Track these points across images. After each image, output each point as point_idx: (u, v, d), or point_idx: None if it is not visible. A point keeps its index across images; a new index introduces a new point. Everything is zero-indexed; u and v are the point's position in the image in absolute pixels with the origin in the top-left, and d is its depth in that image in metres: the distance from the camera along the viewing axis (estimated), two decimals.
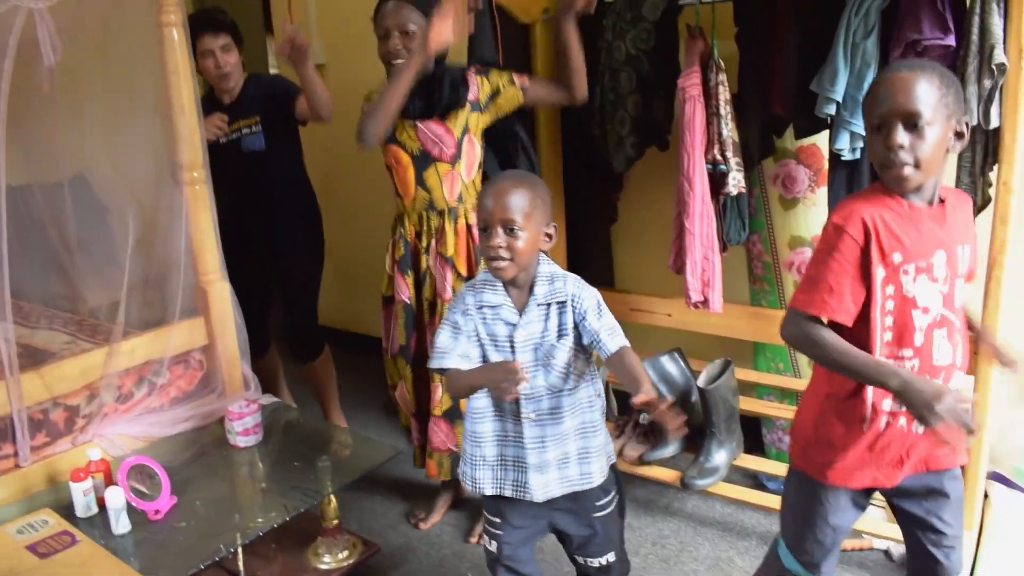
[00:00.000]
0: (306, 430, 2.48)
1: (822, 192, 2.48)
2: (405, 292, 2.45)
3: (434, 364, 1.77)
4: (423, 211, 2.39)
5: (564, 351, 1.72)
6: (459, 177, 2.34)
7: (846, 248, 1.49)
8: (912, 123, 1.43)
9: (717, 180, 2.34)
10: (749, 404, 2.64)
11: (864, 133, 2.10)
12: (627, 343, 1.72)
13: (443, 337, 1.76)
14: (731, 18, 2.37)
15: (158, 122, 2.41)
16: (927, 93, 1.43)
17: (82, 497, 2.05)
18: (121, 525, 2.00)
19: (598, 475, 1.80)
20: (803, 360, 2.67)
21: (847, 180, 2.21)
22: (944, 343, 1.54)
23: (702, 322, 2.55)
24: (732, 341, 2.67)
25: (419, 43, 2.21)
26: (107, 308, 2.70)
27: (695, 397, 2.58)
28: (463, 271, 2.37)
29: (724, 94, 2.30)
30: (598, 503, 1.84)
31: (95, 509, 2.06)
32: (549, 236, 1.72)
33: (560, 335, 1.72)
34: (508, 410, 1.77)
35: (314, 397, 3.31)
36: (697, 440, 2.57)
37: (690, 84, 2.29)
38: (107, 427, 2.32)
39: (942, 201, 1.53)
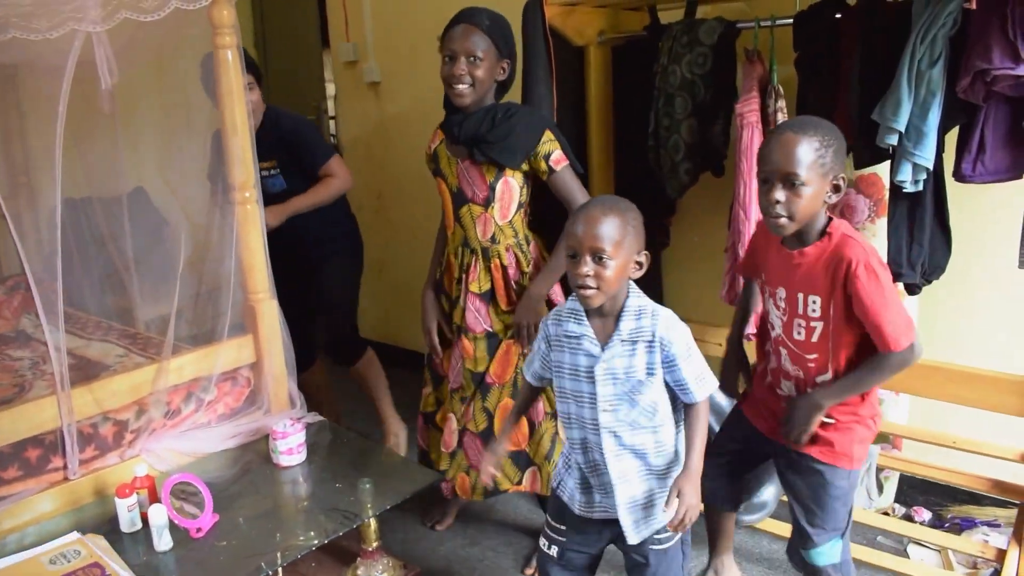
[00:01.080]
0: (350, 451, 2.48)
1: (882, 223, 2.40)
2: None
3: (525, 371, 1.93)
4: (459, 246, 2.43)
5: (652, 389, 1.69)
6: (492, 220, 2.34)
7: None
8: (790, 182, 1.67)
9: None
10: None
11: (927, 166, 2.05)
12: (712, 390, 1.73)
13: (533, 355, 1.89)
14: (791, 42, 2.31)
15: (209, 142, 2.44)
16: (805, 155, 1.66)
17: (127, 513, 2.07)
18: (163, 542, 2.01)
19: (663, 517, 1.76)
20: None
21: (908, 213, 2.14)
22: (787, 360, 1.88)
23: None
24: None
25: None
26: (160, 322, 2.74)
27: None
28: (503, 306, 2.39)
29: (783, 120, 2.24)
30: (656, 535, 1.80)
31: (139, 524, 2.08)
32: (639, 264, 1.70)
33: (648, 372, 1.69)
34: (592, 441, 1.76)
35: (368, 401, 3.38)
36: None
37: (748, 110, 2.24)
38: (155, 442, 2.35)
39: (802, 251, 1.76)
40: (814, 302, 1.76)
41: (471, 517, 2.78)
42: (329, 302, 3.19)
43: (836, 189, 1.72)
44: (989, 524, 2.48)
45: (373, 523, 2.30)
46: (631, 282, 1.71)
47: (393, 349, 4.24)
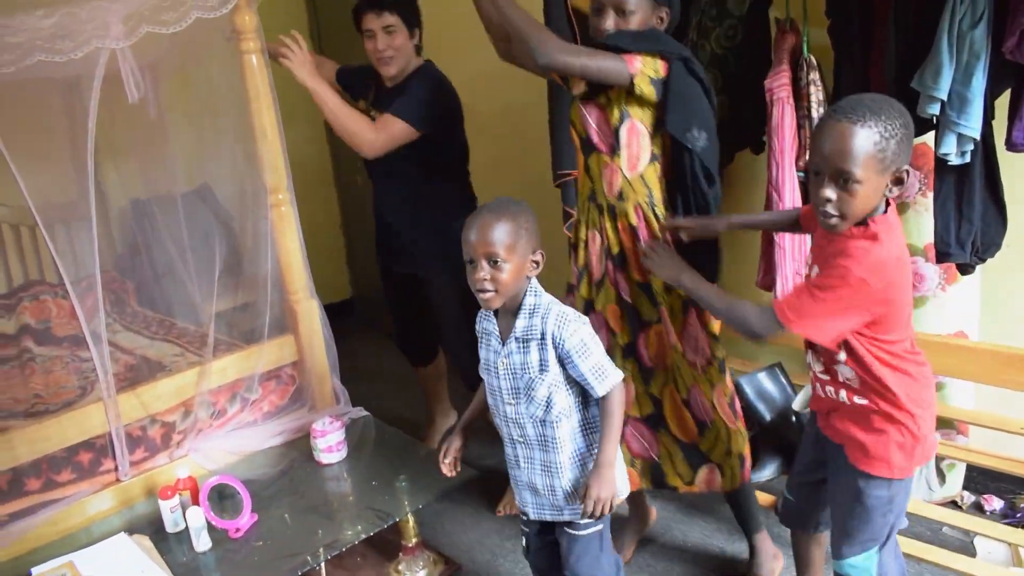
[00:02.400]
0: (391, 447, 2.50)
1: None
2: (575, 280, 2.25)
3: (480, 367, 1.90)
4: (586, 201, 2.17)
5: (544, 386, 1.74)
6: (619, 171, 2.05)
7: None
8: (842, 179, 1.48)
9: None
10: None
11: (973, 136, 1.89)
12: (614, 385, 1.72)
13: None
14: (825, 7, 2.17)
15: (242, 147, 2.49)
16: (862, 150, 1.46)
17: (170, 514, 2.16)
18: (202, 543, 2.09)
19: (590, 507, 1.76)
20: None
21: (956, 188, 1.99)
22: None
23: (799, 339, 2.36)
24: None
25: None
26: (215, 321, 2.82)
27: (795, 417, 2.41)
28: (636, 276, 2.11)
29: (817, 94, 2.12)
30: (571, 520, 1.85)
31: (183, 525, 2.16)
32: (536, 263, 1.75)
33: (541, 369, 1.73)
34: (505, 433, 1.87)
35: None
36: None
37: (778, 85, 2.12)
38: (202, 442, 2.43)
39: (843, 236, 1.57)
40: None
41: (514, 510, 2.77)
42: (443, 324, 2.89)
43: (898, 182, 1.53)
44: None
45: (411, 519, 2.32)
46: (532, 280, 1.75)
47: None
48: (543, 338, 1.71)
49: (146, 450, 2.35)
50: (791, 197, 2.12)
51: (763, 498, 2.41)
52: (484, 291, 1.70)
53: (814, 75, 2.10)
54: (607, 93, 2.00)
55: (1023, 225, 2.19)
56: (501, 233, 1.68)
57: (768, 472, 2.44)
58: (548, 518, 1.87)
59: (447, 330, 2.92)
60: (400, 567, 2.37)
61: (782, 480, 2.43)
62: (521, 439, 1.83)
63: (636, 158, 2.03)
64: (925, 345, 2.20)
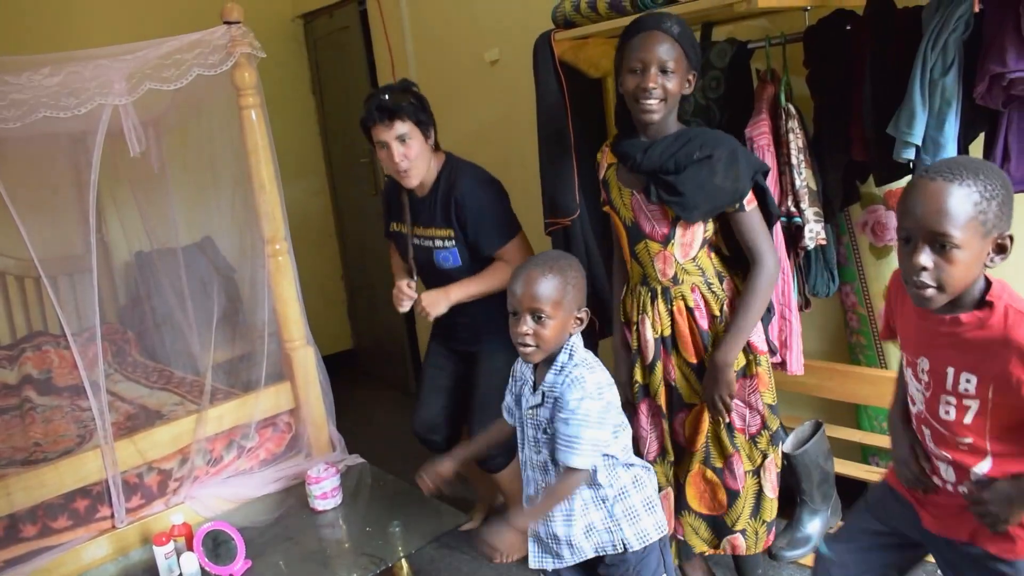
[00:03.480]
0: (387, 493, 2.52)
1: None
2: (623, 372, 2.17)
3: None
4: (637, 285, 2.11)
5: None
6: (672, 259, 2.01)
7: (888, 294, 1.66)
8: (939, 244, 1.31)
9: (793, 233, 2.20)
10: (850, 468, 2.44)
11: None
12: (575, 466, 1.65)
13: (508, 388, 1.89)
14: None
15: (241, 199, 2.56)
16: (961, 210, 1.29)
17: (164, 560, 2.17)
18: None
19: (589, 551, 1.77)
20: None
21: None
22: (931, 441, 1.50)
23: (789, 381, 2.39)
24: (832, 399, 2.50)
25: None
26: (213, 370, 2.86)
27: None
28: (690, 358, 2.05)
29: (796, 141, 2.17)
30: (600, 572, 1.82)
31: (177, 571, 2.18)
32: (580, 320, 1.71)
33: (548, 428, 1.74)
34: (530, 476, 1.81)
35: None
36: (790, 506, 2.40)
37: (758, 133, 2.17)
38: (198, 489, 2.45)
39: (956, 317, 1.38)
40: (968, 380, 1.40)
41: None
42: (482, 400, 2.54)
43: (1000, 250, 1.34)
44: None
45: (405, 565, 2.33)
46: (573, 337, 1.72)
47: None
48: (558, 397, 1.68)
49: (142, 497, 2.37)
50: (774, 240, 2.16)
51: None
52: (525, 346, 1.67)
53: (793, 123, 2.16)
54: None
55: (997, 267, 2.23)
56: (548, 288, 1.64)
57: None
58: (549, 568, 1.83)
59: (486, 400, 2.49)
60: None
61: (776, 523, 2.44)
62: (538, 484, 1.79)
63: (689, 246, 2.01)
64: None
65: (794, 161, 2.16)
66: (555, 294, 1.65)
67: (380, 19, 4.01)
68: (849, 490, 2.49)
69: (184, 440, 2.42)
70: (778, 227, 2.18)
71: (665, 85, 1.89)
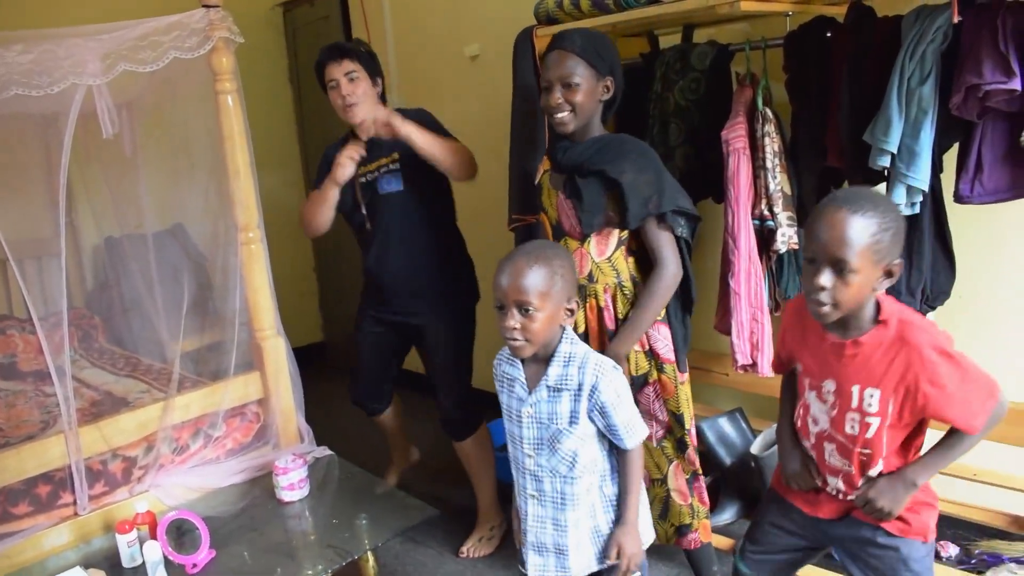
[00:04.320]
0: (354, 486, 2.50)
1: None
2: None
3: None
4: None
5: (572, 439, 1.66)
6: (588, 256, 2.11)
7: (782, 325, 1.78)
8: (838, 268, 1.46)
9: (766, 237, 2.21)
10: None
11: (921, 188, 1.96)
12: (641, 439, 1.69)
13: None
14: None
15: (215, 185, 2.52)
16: (859, 238, 1.45)
17: (127, 548, 2.14)
18: None
19: (595, 564, 1.74)
20: None
21: (906, 238, 2.03)
22: (835, 455, 1.64)
23: (758, 383, 2.41)
24: None
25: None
26: (188, 358, 2.83)
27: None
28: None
29: (772, 145, 2.18)
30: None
31: (140, 560, 2.14)
32: (570, 311, 1.67)
33: (571, 421, 1.65)
34: (520, 484, 1.76)
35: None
36: (755, 506, 2.42)
37: (734, 136, 2.19)
38: (163, 478, 2.42)
39: (856, 340, 1.55)
40: (871, 396, 1.55)
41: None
42: (441, 366, 2.77)
43: (888, 275, 1.51)
44: (1017, 561, 2.34)
45: (371, 558, 2.31)
46: (566, 328, 1.68)
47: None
48: (579, 389, 1.63)
49: (106, 484, 2.33)
50: (746, 243, 2.18)
51: (723, 541, 2.42)
52: (513, 340, 1.61)
53: (769, 127, 2.18)
54: None
55: (972, 274, 2.26)
56: (535, 279, 1.59)
57: (728, 516, 2.46)
58: (542, 572, 1.76)
59: (443, 371, 2.78)
60: None
61: (742, 524, 2.46)
62: (535, 493, 1.73)
63: (605, 245, 2.10)
64: None
65: (769, 165, 2.18)
66: (542, 285, 1.59)
67: (361, 9, 3.99)
68: None
69: (150, 428, 2.38)
70: (751, 230, 2.21)
71: (571, 99, 2.03)
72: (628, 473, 1.69)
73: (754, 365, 2.24)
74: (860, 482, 1.62)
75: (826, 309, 1.50)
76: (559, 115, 2.05)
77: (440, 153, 2.50)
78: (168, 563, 2.09)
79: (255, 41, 3.62)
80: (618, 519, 1.69)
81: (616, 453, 1.72)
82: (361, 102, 2.55)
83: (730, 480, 2.49)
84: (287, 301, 2.72)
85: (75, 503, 2.27)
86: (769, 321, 2.24)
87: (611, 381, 1.64)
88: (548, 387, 1.66)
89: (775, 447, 2.30)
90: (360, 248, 2.77)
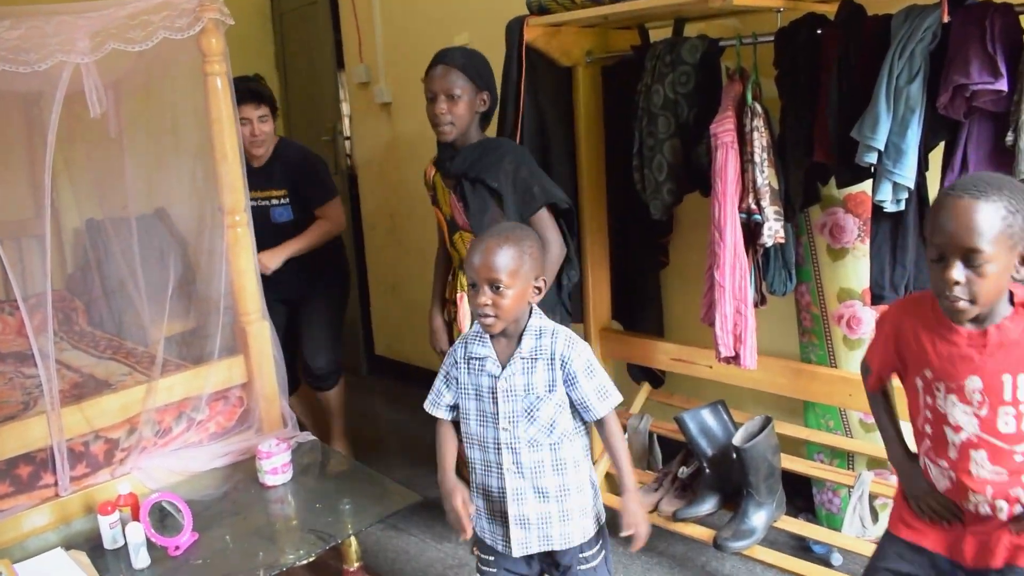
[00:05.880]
0: (337, 471, 2.50)
1: None
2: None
3: (428, 407, 1.87)
4: (456, 268, 2.51)
5: (550, 405, 1.71)
6: None
7: (881, 335, 1.64)
8: (970, 259, 1.36)
9: (753, 230, 2.23)
10: (796, 464, 2.49)
11: (907, 185, 1.99)
12: (615, 405, 1.73)
13: (438, 383, 1.85)
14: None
15: (201, 167, 2.51)
16: (990, 225, 1.34)
17: (109, 530, 2.13)
18: (140, 560, 2.05)
19: (578, 536, 1.77)
20: (854, 419, 2.51)
21: (891, 234, 2.07)
22: (986, 463, 1.48)
23: (742, 376, 2.43)
24: (782, 395, 2.55)
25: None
26: (171, 342, 2.81)
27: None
28: None
29: (760, 140, 2.20)
30: (582, 555, 1.81)
31: (122, 542, 2.13)
32: (539, 289, 1.74)
33: (549, 389, 1.72)
34: (492, 461, 1.78)
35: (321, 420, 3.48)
36: (736, 498, 2.45)
37: (722, 130, 2.20)
38: (146, 460, 2.41)
39: (998, 325, 1.43)
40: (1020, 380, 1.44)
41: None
42: (313, 333, 3.28)
43: None
44: None
45: (354, 543, 2.32)
46: (534, 304, 1.76)
47: (405, 366, 4.27)
48: (552, 358, 1.71)
49: (88, 466, 2.32)
50: (733, 236, 2.20)
51: (703, 532, 2.44)
52: (485, 316, 1.69)
53: (758, 121, 2.19)
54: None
55: None
56: (504, 258, 1.67)
57: (708, 507, 2.48)
58: (535, 549, 1.78)
59: (316, 329, 3.28)
60: None
61: (722, 515, 2.49)
62: (513, 466, 1.74)
63: None
64: (859, 386, 2.28)
65: (757, 159, 2.19)
66: (512, 263, 1.67)
67: None
68: (795, 487, 2.56)
69: (133, 410, 2.37)
70: (737, 224, 2.22)
71: (453, 110, 2.32)
72: (612, 441, 1.75)
73: (736, 357, 2.26)
74: (1012, 490, 1.47)
75: (963, 305, 1.38)
76: (440, 127, 2.34)
77: (313, 244, 3.10)
78: (150, 545, 2.08)
79: (242, 25, 3.57)
80: (622, 488, 1.74)
81: (596, 426, 1.77)
82: (267, 139, 3.08)
83: (711, 471, 2.51)
84: None
85: (56, 484, 2.25)
86: (753, 314, 2.26)
87: (581, 352, 1.71)
88: (522, 359, 1.72)
89: (757, 438, 2.33)
90: None
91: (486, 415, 1.77)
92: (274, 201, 3.13)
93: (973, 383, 1.46)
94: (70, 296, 3.53)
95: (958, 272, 1.36)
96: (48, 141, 2.17)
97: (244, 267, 2.51)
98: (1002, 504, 1.48)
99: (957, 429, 1.50)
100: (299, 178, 3.12)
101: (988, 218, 1.34)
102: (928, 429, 1.55)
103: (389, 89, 3.88)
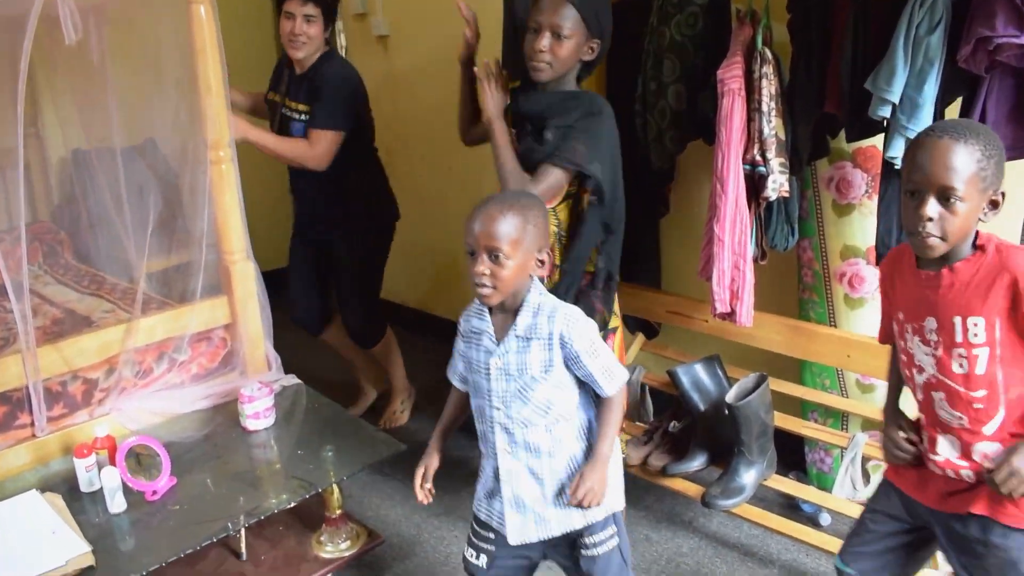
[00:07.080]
0: (320, 417, 2.46)
1: None
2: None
3: (448, 373, 1.82)
4: None
5: (546, 387, 1.63)
6: None
7: (880, 288, 1.70)
8: (945, 197, 1.42)
9: (756, 183, 2.15)
10: (789, 422, 2.45)
11: None
12: (622, 384, 1.66)
13: (454, 349, 1.78)
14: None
15: (186, 101, 2.40)
16: (965, 166, 1.41)
17: (85, 473, 2.09)
18: (116, 504, 2.02)
19: (578, 519, 1.69)
20: (851, 380, 2.46)
21: (901, 192, 1.98)
22: (944, 406, 1.54)
23: (736, 332, 2.37)
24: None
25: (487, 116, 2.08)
26: (157, 278, 2.73)
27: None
28: None
29: (768, 88, 2.10)
30: (587, 540, 1.72)
31: (98, 485, 2.09)
32: (541, 262, 1.64)
33: (545, 370, 1.62)
34: (490, 440, 1.71)
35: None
36: (726, 455, 2.41)
37: (730, 76, 2.10)
38: (125, 401, 2.36)
39: (951, 267, 1.49)
40: (975, 324, 1.48)
41: (448, 488, 2.74)
42: (343, 292, 3.17)
43: (994, 205, 1.46)
44: None
45: (336, 490, 2.28)
46: (535, 279, 1.66)
47: (399, 307, 4.21)
48: (550, 338, 1.61)
49: (65, 406, 2.27)
50: (735, 189, 2.12)
51: (691, 488, 2.41)
52: (482, 286, 1.59)
53: (767, 68, 2.09)
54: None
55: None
56: (507, 227, 1.57)
57: (698, 463, 2.45)
58: (534, 538, 1.71)
59: (345, 288, 3.16)
60: (322, 538, 2.32)
61: (711, 471, 2.46)
62: (507, 447, 1.68)
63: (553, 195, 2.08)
64: (858, 347, 2.23)
65: (764, 108, 2.10)
66: (514, 232, 1.57)
67: None
68: (786, 444, 2.52)
69: (112, 349, 2.31)
70: (740, 175, 2.14)
71: (556, 50, 1.98)
72: (606, 417, 1.67)
73: (732, 313, 2.20)
74: (976, 444, 1.51)
75: (933, 240, 1.44)
76: (537, 64, 2.01)
77: (276, 149, 2.82)
78: (127, 489, 2.05)
79: None
80: (592, 453, 1.66)
81: (596, 400, 1.69)
82: (308, 42, 2.82)
83: (702, 427, 2.47)
84: (258, 225, 2.64)
85: (33, 424, 2.21)
86: (751, 270, 2.19)
87: (583, 330, 1.62)
88: (517, 337, 1.63)
89: (751, 396, 2.28)
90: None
91: (482, 390, 1.69)
92: (295, 115, 2.91)
93: (930, 323, 1.53)
94: (55, 228, 3.45)
95: (932, 208, 1.42)
96: (20, 68, 2.07)
97: (229, 205, 2.43)
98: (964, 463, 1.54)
99: (920, 369, 1.57)
100: (319, 96, 2.83)
101: (964, 159, 1.41)
102: (906, 372, 1.62)
103: (387, 21, 3.74)
